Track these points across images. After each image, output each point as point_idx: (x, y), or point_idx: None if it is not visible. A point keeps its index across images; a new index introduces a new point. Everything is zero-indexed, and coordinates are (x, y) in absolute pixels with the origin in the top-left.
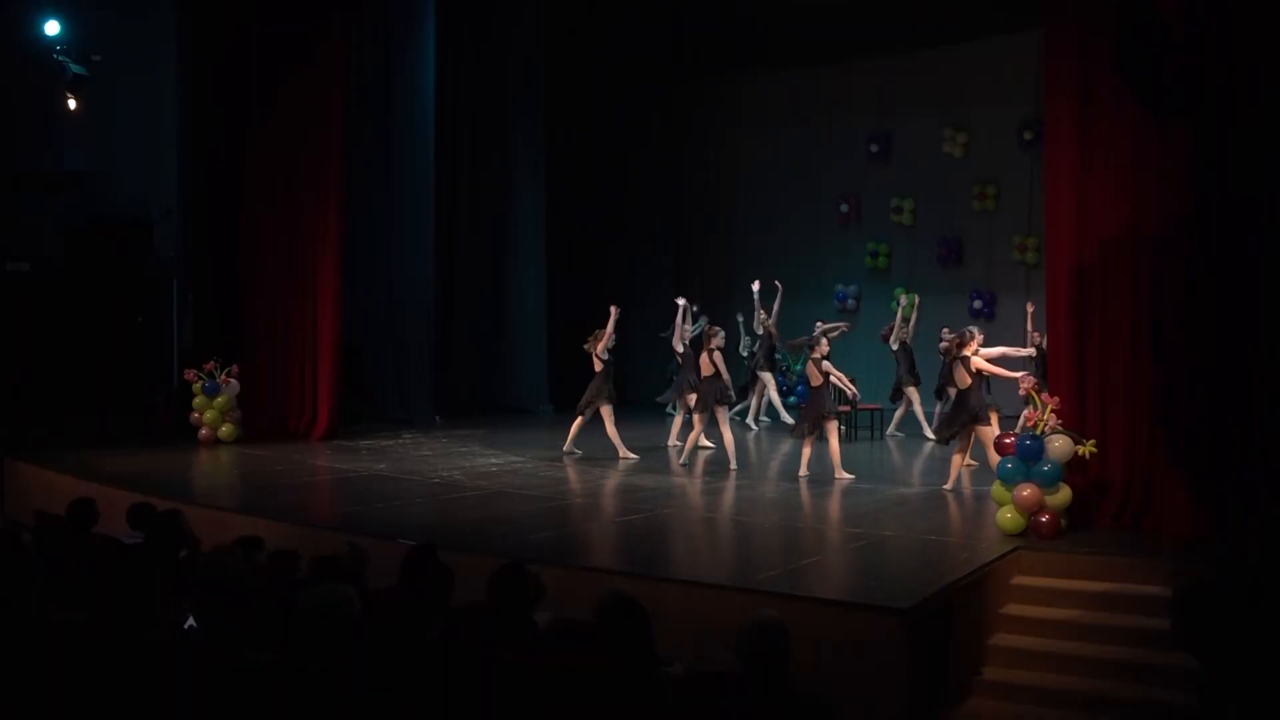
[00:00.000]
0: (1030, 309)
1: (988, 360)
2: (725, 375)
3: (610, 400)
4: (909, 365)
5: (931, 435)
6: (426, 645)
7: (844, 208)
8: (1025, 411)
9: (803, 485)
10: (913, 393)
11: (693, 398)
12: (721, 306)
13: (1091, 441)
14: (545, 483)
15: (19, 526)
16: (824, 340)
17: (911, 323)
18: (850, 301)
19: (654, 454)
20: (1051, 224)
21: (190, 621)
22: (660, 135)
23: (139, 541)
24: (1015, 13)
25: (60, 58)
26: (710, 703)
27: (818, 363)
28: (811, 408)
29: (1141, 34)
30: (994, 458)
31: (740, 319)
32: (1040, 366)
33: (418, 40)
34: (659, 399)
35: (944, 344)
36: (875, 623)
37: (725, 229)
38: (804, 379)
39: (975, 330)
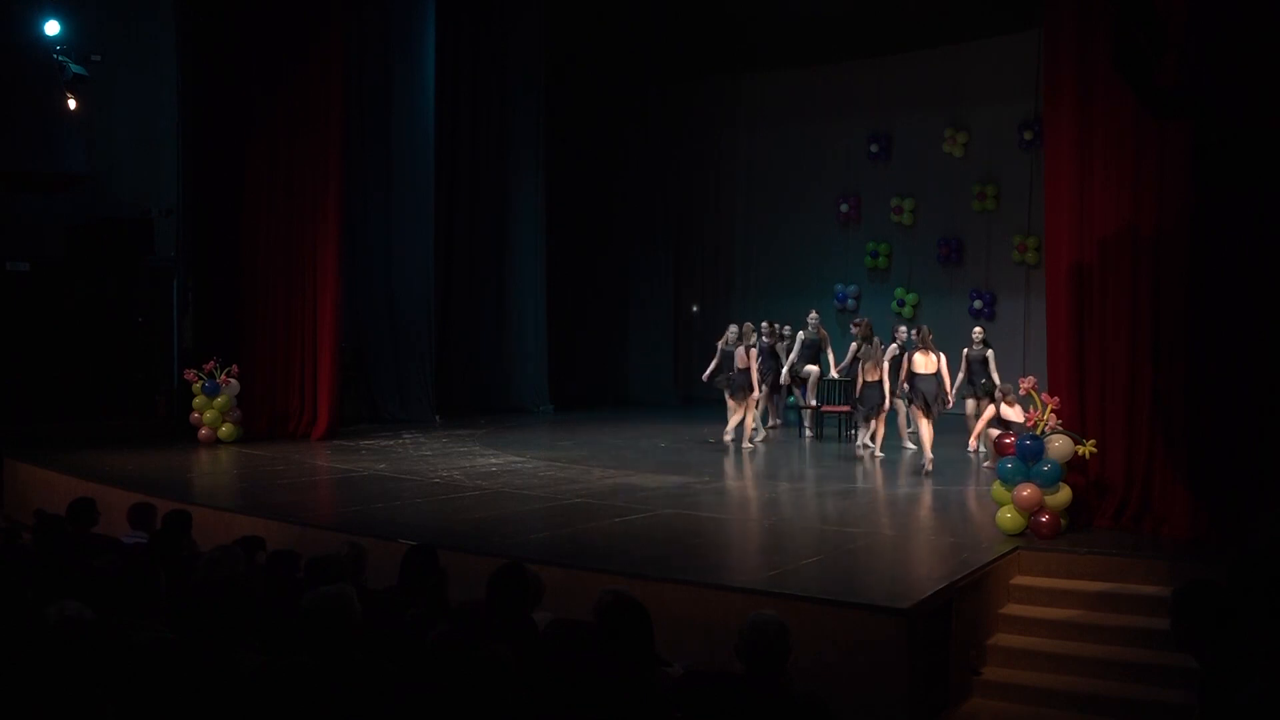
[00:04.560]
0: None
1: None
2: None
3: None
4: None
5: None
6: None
7: (844, 208)
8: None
9: (802, 485)
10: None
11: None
12: (722, 305)
13: (1091, 441)
14: (545, 483)
15: (19, 526)
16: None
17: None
18: (850, 301)
19: (653, 453)
20: (1051, 224)
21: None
22: (660, 135)
23: (139, 541)
24: (1015, 13)
25: (60, 58)
26: (710, 703)
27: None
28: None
29: (1141, 33)
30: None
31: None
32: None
33: (418, 42)
34: None
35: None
36: (875, 623)
37: (725, 229)
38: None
39: None
